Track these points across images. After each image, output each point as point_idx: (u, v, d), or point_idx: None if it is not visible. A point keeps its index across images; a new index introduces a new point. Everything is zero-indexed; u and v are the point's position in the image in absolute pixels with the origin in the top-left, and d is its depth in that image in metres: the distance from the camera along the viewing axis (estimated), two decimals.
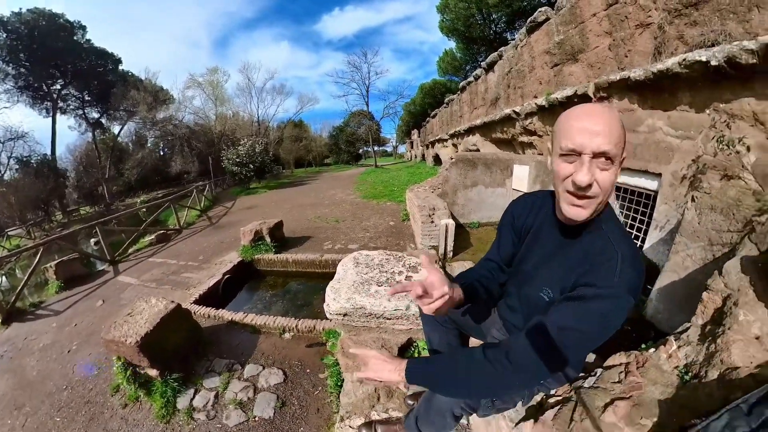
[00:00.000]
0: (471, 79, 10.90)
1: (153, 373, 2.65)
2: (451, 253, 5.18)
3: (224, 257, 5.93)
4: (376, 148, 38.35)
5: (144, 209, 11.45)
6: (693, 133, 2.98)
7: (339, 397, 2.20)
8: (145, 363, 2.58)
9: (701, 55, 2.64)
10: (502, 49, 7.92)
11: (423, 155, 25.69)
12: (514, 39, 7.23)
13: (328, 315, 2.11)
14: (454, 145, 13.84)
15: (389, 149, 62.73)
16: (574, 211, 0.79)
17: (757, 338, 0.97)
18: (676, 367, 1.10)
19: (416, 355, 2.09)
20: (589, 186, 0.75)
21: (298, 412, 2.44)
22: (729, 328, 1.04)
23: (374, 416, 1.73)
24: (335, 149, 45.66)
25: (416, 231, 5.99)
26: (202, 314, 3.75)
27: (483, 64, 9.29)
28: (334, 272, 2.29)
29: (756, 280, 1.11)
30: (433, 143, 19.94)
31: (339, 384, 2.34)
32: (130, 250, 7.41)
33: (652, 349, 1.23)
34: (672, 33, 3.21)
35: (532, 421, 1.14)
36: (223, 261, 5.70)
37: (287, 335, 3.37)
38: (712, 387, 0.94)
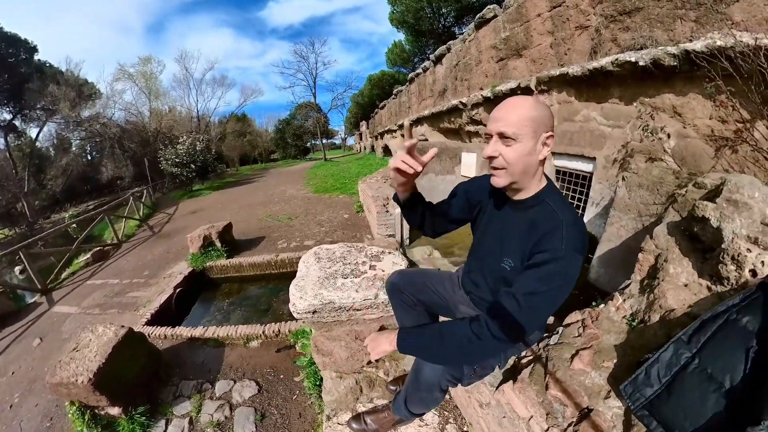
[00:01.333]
0: (420, 70, 11.14)
1: (115, 411, 2.37)
2: (408, 241, 5.32)
3: (173, 269, 5.48)
4: (324, 141, 37.16)
5: (74, 225, 9.87)
6: (622, 123, 3.42)
7: (320, 396, 2.16)
8: (104, 402, 2.31)
9: (631, 56, 3.04)
10: (450, 42, 8.21)
11: (372, 146, 25.62)
12: (462, 33, 7.53)
13: (295, 315, 2.05)
14: (403, 136, 14.12)
15: (338, 141, 61.40)
16: (492, 179, 0.97)
17: (685, 285, 1.18)
18: (624, 317, 1.28)
19: None
20: (493, 158, 0.92)
21: (280, 421, 2.37)
22: (663, 280, 1.24)
23: (360, 408, 1.73)
24: (282, 144, 43.69)
25: (372, 222, 6.04)
26: (158, 335, 3.44)
27: (431, 56, 9.55)
28: (293, 271, 2.24)
29: (680, 240, 1.34)
30: (382, 134, 20.06)
31: (317, 384, 2.31)
32: (63, 275, 6.43)
33: (603, 305, 1.41)
34: (607, 36, 3.63)
35: (510, 382, 1.25)
36: (172, 273, 5.25)
37: (254, 343, 3.23)
38: (655, 328, 1.12)
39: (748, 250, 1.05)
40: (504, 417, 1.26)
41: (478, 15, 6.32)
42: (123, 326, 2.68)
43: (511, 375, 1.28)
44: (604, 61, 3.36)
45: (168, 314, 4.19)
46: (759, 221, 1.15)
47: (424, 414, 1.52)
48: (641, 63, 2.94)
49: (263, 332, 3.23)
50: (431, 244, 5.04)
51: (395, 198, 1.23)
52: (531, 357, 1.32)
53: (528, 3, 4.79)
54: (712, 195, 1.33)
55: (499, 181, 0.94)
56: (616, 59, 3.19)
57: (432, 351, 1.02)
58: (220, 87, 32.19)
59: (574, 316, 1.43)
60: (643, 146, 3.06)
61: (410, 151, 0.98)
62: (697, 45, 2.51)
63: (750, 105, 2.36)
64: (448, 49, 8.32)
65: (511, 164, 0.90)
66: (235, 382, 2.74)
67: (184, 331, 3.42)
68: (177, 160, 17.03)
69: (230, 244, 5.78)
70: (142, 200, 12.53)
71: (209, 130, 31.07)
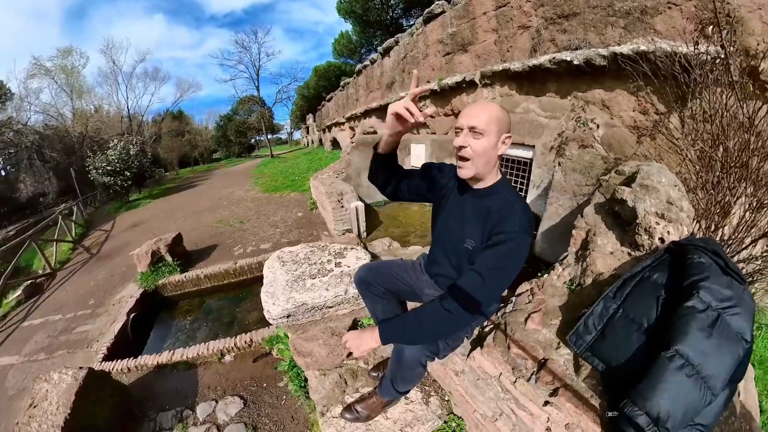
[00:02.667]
0: (367, 62, 11.19)
1: None
2: (365, 233, 5.44)
3: (121, 293, 4.99)
4: (270, 137, 35.53)
5: None
6: (558, 114, 3.86)
7: (308, 396, 2.21)
8: None
9: (567, 56, 3.44)
10: (398, 35, 8.36)
11: (320, 140, 25.14)
12: (409, 26, 7.68)
13: (271, 321, 2.07)
14: (351, 128, 14.17)
15: (284, 136, 59.29)
16: (459, 171, 1.09)
17: (611, 253, 1.47)
18: (564, 283, 1.55)
19: None
20: (462, 148, 1.04)
21: (274, 428, 2.35)
22: (593, 251, 1.51)
23: (348, 399, 1.82)
24: (224, 141, 41.10)
25: (327, 218, 6.10)
26: (120, 369, 3.16)
27: (379, 49, 9.64)
28: (253, 278, 2.23)
29: (605, 217, 1.65)
30: (330, 127, 19.89)
31: (302, 385, 2.34)
32: None
33: (546, 275, 1.67)
34: (546, 36, 3.99)
35: (478, 348, 1.44)
36: (122, 298, 4.79)
37: (228, 358, 3.12)
38: (589, 289, 1.39)
39: (657, 223, 1.34)
40: (478, 379, 1.46)
41: (427, 10, 6.51)
42: (81, 368, 2.42)
43: (478, 343, 1.48)
44: (542, 59, 3.74)
45: (126, 344, 3.87)
46: (665, 200, 1.46)
47: (409, 391, 1.67)
48: (576, 62, 3.34)
49: (235, 344, 3.14)
50: (389, 236, 5.23)
51: (375, 148, 1.21)
52: (492, 326, 1.52)
53: (475, 1, 5.05)
54: (629, 180, 1.64)
55: (465, 172, 1.08)
56: (554, 58, 3.57)
57: (413, 335, 1.16)
58: (153, 81, 29.13)
59: (524, 286, 1.68)
60: (576, 135, 3.50)
61: (414, 100, 1.00)
62: (624, 49, 2.92)
63: (665, 102, 2.77)
64: (396, 42, 8.47)
65: (476, 155, 1.03)
66: (217, 401, 2.63)
67: (149, 360, 3.18)
68: (109, 167, 15.03)
69: (182, 257, 5.45)
70: (73, 218, 11.05)
71: (143, 130, 27.87)
